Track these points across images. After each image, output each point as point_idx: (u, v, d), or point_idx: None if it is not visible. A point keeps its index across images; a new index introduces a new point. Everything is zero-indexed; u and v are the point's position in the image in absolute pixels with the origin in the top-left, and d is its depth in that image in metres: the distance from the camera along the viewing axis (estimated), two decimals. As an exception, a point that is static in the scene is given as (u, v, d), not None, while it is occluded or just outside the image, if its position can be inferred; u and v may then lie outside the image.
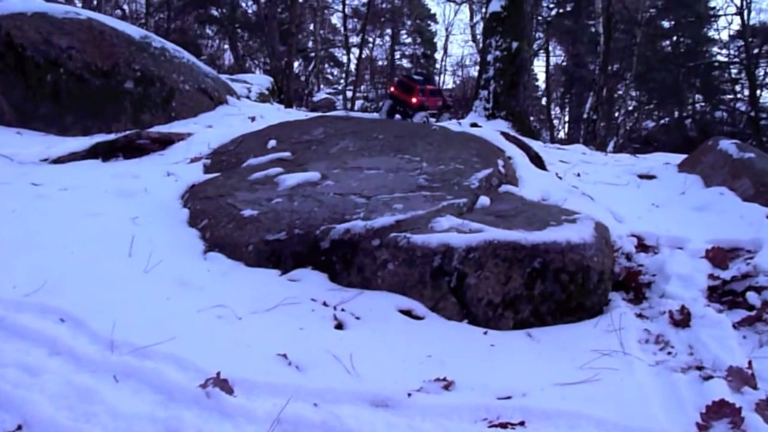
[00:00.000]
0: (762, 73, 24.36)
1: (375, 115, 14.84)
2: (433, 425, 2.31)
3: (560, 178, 5.71)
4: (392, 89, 13.60)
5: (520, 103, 11.52)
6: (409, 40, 35.00)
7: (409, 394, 2.47)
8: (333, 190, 4.23)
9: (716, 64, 25.82)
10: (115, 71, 7.64)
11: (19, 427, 2.05)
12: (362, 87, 30.06)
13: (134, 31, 8.41)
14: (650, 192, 5.74)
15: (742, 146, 5.78)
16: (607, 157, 8.53)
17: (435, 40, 35.29)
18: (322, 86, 32.06)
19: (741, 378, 2.68)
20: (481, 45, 17.00)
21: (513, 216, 3.89)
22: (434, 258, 3.37)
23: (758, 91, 22.65)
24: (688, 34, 26.93)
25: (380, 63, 33.41)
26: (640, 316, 3.45)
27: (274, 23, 21.35)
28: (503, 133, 6.20)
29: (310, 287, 3.42)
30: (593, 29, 23.11)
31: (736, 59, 24.73)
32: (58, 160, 5.58)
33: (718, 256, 3.98)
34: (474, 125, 8.67)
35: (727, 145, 5.83)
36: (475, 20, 28.38)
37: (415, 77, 14.12)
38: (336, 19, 30.90)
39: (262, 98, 12.47)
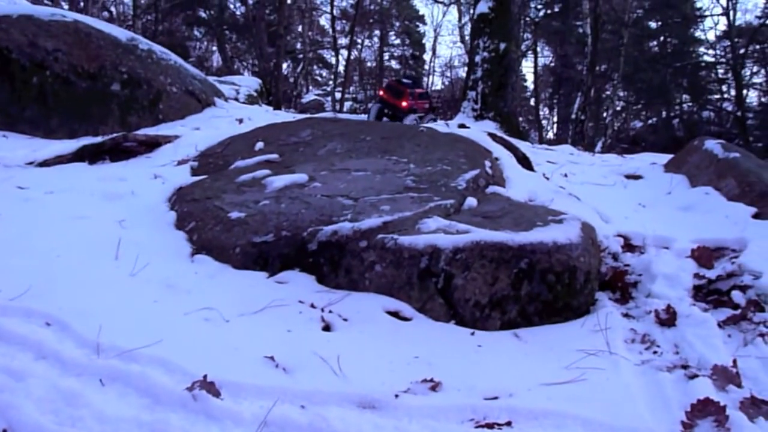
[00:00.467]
0: (748, 73, 24.67)
1: (363, 116, 14.84)
2: (420, 426, 2.31)
3: (547, 178, 5.74)
4: (382, 93, 13.59)
5: (508, 104, 11.52)
6: (397, 41, 34.98)
7: (396, 396, 2.48)
8: (320, 192, 4.23)
9: (703, 64, 26.07)
10: (102, 73, 7.57)
11: (4, 432, 2.04)
12: (351, 88, 30.03)
13: (121, 34, 8.34)
14: (637, 192, 5.77)
15: (727, 146, 5.83)
16: (594, 157, 8.57)
17: (423, 41, 35.29)
18: (311, 88, 31.94)
19: (726, 376, 2.70)
20: (469, 46, 17.02)
21: (500, 217, 3.91)
22: (421, 259, 3.38)
23: (744, 91, 22.94)
24: (674, 35, 27.15)
25: (369, 64, 33.36)
26: (626, 315, 3.48)
27: (263, 25, 21.29)
28: (490, 134, 6.22)
29: (297, 289, 3.42)
30: (581, 30, 23.21)
31: (723, 59, 24.99)
32: (44, 163, 5.54)
33: (704, 256, 4.02)
34: (462, 126, 8.67)
35: (713, 145, 5.88)
36: (463, 21, 28.39)
37: (405, 81, 14.12)
38: (324, 21, 30.76)
39: (250, 100, 12.46)
